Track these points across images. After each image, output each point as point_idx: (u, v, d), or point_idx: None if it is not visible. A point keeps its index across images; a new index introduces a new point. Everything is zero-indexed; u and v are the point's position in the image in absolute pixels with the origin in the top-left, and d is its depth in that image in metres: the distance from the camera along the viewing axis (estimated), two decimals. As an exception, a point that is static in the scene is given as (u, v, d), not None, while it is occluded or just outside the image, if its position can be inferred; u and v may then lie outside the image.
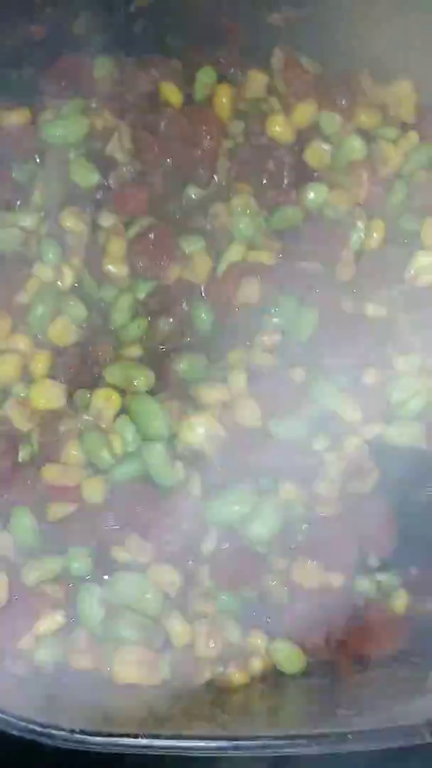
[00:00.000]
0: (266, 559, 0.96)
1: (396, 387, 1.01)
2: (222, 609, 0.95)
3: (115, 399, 0.98)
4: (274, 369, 1.00)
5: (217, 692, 0.88)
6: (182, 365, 1.00)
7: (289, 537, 0.96)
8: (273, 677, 0.91)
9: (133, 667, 0.89)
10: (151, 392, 0.99)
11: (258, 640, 0.93)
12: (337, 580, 0.96)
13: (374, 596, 0.98)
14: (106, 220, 1.07)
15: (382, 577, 0.98)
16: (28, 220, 1.06)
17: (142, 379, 0.99)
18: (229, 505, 0.94)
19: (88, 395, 0.99)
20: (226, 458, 0.95)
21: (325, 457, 0.97)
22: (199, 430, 0.95)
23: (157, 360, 1.03)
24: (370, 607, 0.96)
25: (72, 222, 1.05)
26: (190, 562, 0.94)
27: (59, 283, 1.04)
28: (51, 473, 0.96)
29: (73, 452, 0.97)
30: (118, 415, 0.98)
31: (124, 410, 0.98)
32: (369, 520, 0.97)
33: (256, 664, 0.92)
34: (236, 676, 0.91)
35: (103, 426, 0.98)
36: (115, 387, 0.99)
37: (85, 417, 0.98)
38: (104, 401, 0.98)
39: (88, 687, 0.88)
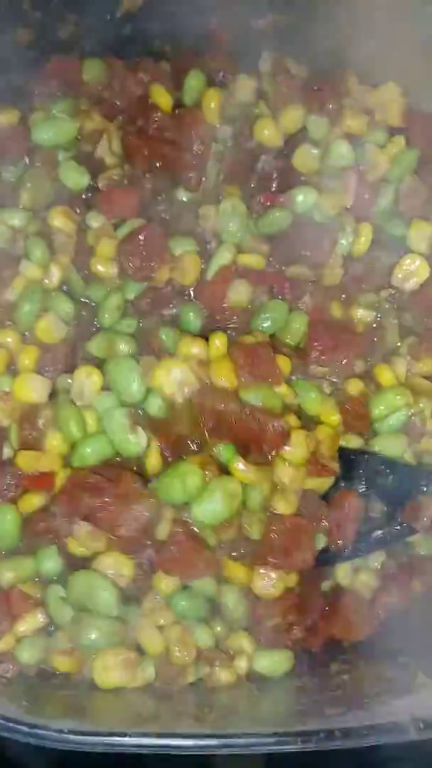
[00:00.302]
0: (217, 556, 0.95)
1: (377, 402, 1.02)
2: (183, 614, 0.94)
3: (96, 377, 0.97)
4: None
5: (205, 691, 0.88)
6: (164, 335, 1.00)
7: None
8: (260, 677, 0.91)
9: (115, 672, 0.89)
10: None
11: (243, 641, 0.93)
12: (293, 580, 0.96)
13: (342, 582, 0.99)
14: (95, 220, 1.06)
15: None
16: (15, 219, 1.05)
17: (125, 345, 0.99)
18: (176, 480, 0.92)
19: (69, 380, 0.99)
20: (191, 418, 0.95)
21: (293, 436, 0.95)
22: (173, 375, 0.94)
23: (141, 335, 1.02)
24: (339, 593, 0.97)
25: (60, 221, 1.04)
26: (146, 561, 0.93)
27: (46, 281, 1.03)
28: (24, 459, 0.95)
29: (52, 442, 0.96)
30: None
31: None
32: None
33: (242, 665, 0.92)
34: (223, 676, 0.91)
35: (80, 404, 0.98)
36: (97, 359, 1.00)
37: (63, 397, 0.98)
38: (85, 377, 0.98)
39: (76, 687, 0.87)
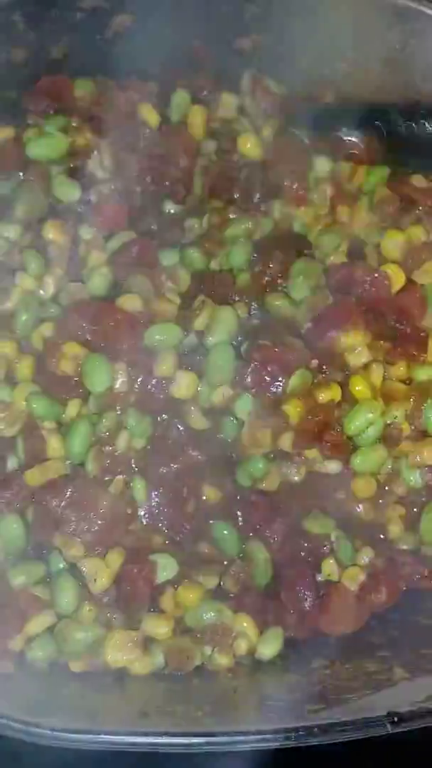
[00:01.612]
0: None
1: (351, 419, 0.96)
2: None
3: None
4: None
5: (202, 687, 0.86)
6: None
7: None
8: (251, 672, 0.89)
9: (124, 651, 0.87)
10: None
11: (244, 623, 0.91)
12: None
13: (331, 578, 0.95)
14: (87, 233, 1.02)
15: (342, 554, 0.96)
16: (11, 232, 1.01)
17: None
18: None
19: None
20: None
21: None
22: None
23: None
24: (330, 587, 0.93)
25: (54, 234, 1.01)
26: None
27: (42, 292, 1.00)
28: (33, 476, 0.92)
29: (54, 446, 0.93)
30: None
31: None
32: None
33: (242, 646, 0.90)
34: (222, 660, 0.89)
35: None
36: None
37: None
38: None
39: (79, 684, 0.84)
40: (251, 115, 1.09)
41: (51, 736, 0.68)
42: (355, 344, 0.97)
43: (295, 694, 0.79)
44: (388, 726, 0.67)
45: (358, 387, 0.97)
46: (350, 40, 1.04)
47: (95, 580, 0.88)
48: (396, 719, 0.67)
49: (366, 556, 0.95)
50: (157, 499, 0.92)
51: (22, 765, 0.75)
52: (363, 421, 0.95)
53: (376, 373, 0.98)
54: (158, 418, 0.95)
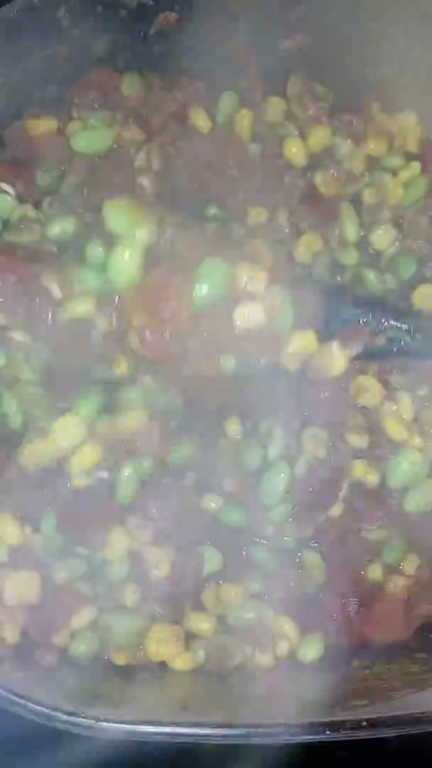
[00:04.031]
0: None
1: (394, 474, 0.99)
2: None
3: None
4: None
5: (243, 681, 0.88)
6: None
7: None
8: (291, 670, 0.92)
9: (167, 645, 0.91)
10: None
11: (285, 625, 0.94)
12: None
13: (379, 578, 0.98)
14: None
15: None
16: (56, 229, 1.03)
17: None
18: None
19: None
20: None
21: None
22: None
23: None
24: (378, 593, 0.96)
25: None
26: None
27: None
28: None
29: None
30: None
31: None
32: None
33: (284, 647, 0.93)
34: (263, 660, 0.92)
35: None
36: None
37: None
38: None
39: (120, 678, 0.87)
40: (298, 119, 1.12)
41: (96, 726, 0.70)
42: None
43: (338, 691, 0.82)
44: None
45: (395, 428, 0.98)
46: (396, 44, 1.08)
47: (157, 567, 0.91)
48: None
49: (412, 563, 0.98)
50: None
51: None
52: (407, 470, 0.97)
53: (405, 402, 1.00)
54: None
